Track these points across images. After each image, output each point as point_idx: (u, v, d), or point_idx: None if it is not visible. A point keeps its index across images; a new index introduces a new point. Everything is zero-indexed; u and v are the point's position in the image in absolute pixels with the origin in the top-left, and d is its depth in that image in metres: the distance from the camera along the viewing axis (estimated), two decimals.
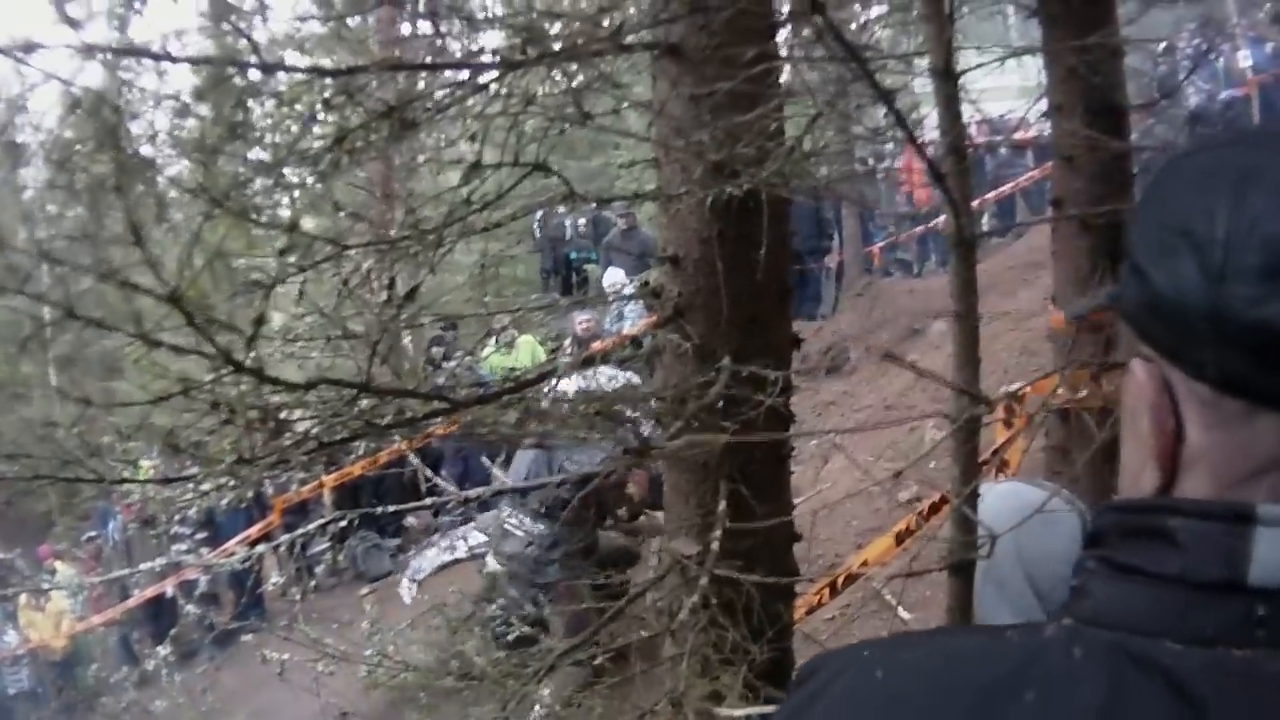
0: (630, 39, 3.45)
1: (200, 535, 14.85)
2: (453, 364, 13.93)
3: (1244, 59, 23.99)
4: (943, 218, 20.23)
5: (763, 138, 3.31)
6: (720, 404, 3.41)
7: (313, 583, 14.66)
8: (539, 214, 13.57)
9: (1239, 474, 1.04)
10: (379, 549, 15.13)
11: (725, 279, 3.45)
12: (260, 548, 11.20)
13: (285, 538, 11.06)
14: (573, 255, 19.70)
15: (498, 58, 3.34)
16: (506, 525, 8.94)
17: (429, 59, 3.76)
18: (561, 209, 10.10)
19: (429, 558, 10.24)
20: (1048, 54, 5.17)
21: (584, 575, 7.99)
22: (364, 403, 3.11)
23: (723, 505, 3.48)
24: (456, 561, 10.22)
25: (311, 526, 10.22)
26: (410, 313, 3.49)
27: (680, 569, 3.51)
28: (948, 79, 2.57)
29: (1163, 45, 21.94)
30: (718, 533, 3.45)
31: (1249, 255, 1.00)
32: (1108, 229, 4.88)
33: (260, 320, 2.74)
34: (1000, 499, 2.88)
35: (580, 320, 13.94)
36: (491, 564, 9.11)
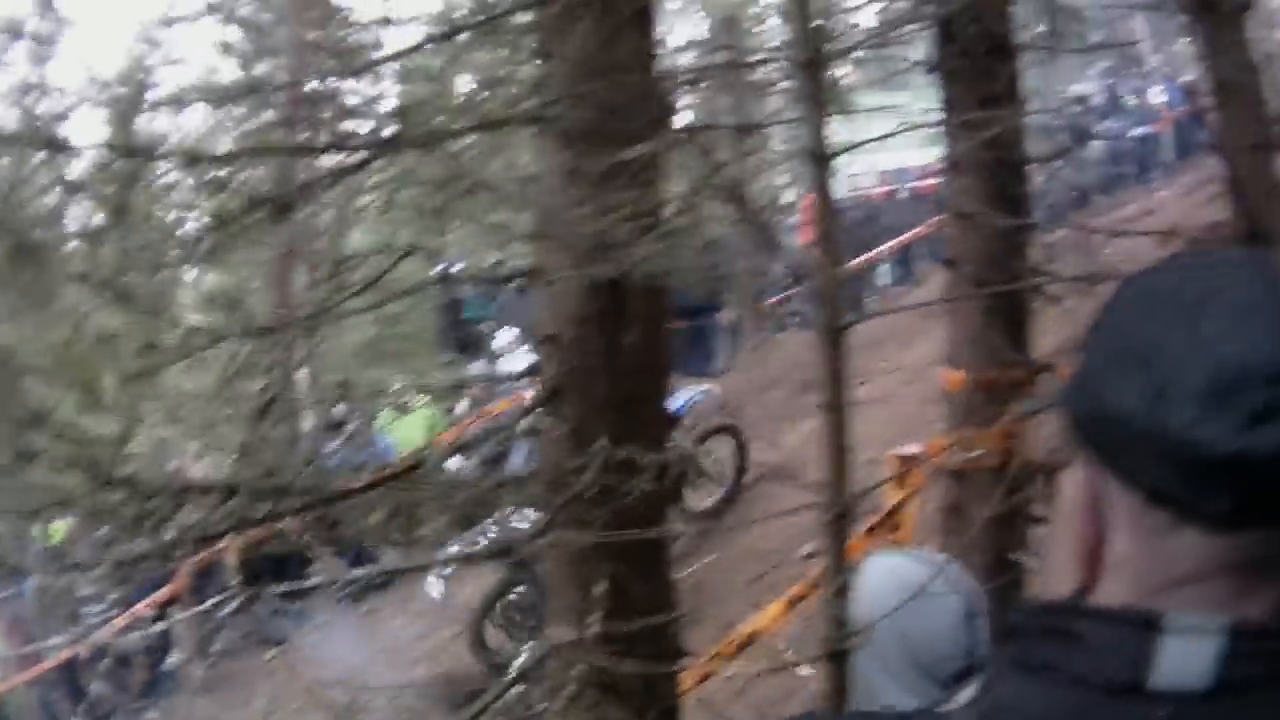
0: (509, 116, 3.46)
1: (112, 595, 14.69)
2: (338, 444, 13.90)
3: (1158, 95, 24.49)
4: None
5: (642, 215, 3.32)
6: (597, 488, 3.40)
7: (214, 657, 14.52)
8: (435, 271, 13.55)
9: (1157, 583, 1.08)
10: (283, 613, 14.99)
11: (604, 359, 3.45)
12: (159, 626, 11.16)
13: (183, 615, 11.03)
14: (469, 315, 19.62)
15: (376, 140, 3.35)
16: (513, 519, 8.83)
17: (313, 138, 3.76)
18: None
19: (453, 554, 10.29)
20: (946, 110, 5.09)
21: None
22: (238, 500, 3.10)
23: (601, 589, 3.46)
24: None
25: (208, 603, 10.20)
26: (285, 403, 3.48)
27: (560, 654, 3.50)
28: (820, 163, 2.58)
29: (1072, 93, 22.34)
30: (596, 618, 3.43)
31: (1192, 377, 1.03)
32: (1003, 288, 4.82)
33: (125, 437, 2.73)
34: (881, 577, 2.88)
35: (474, 386, 13.90)
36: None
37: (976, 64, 4.82)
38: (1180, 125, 23.04)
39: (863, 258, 19.78)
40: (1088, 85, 24.28)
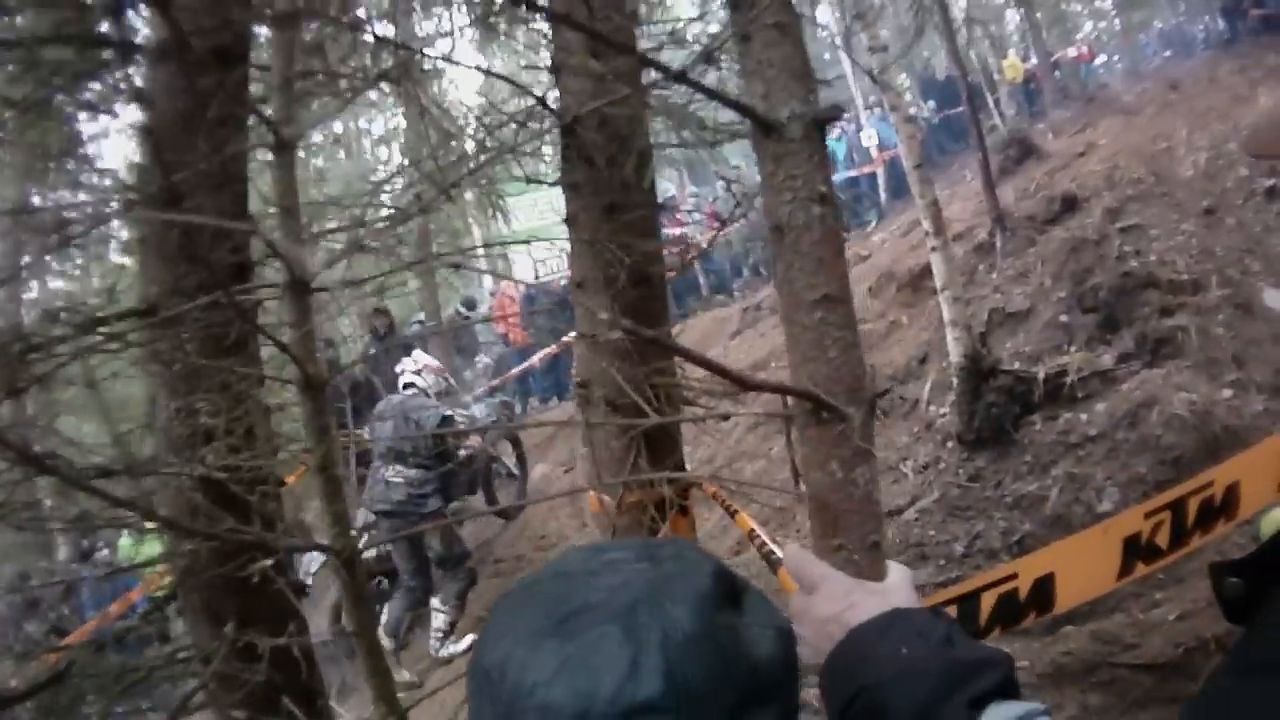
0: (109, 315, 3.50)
1: None
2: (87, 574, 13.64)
3: (869, 138, 24.89)
4: (538, 356, 20.45)
5: (243, 409, 3.40)
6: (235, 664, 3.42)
7: None
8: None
9: None
10: None
11: (219, 551, 3.53)
12: None
13: None
14: None
15: None
16: (389, 478, 10.84)
17: None
18: None
19: (316, 556, 10.25)
20: (569, 225, 4.68)
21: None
22: None
23: None
24: None
25: None
26: None
27: None
28: (311, 390, 2.53)
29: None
30: None
31: (528, 716, 1.10)
32: (637, 409, 4.29)
33: None
34: None
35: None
36: (362, 516, 10.79)
37: (600, 174, 4.46)
38: (893, 165, 23.62)
39: (559, 343, 20.44)
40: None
